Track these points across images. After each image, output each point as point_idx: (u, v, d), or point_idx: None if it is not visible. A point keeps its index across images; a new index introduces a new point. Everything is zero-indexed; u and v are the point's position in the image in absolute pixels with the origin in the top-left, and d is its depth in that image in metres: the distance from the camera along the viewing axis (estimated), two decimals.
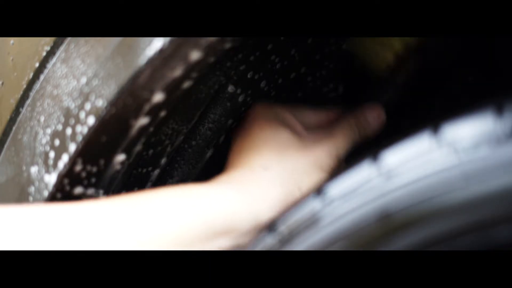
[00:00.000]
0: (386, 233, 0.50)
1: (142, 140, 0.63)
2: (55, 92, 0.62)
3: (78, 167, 0.61)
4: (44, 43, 0.63)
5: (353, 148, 0.70)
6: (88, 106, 0.59)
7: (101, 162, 0.62)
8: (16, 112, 0.66)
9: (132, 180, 0.67)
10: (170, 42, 0.54)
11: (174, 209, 0.57)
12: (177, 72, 0.57)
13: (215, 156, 0.72)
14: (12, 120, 0.66)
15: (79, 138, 0.60)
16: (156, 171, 0.69)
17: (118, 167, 0.63)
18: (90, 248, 0.52)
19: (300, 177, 0.62)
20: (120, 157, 0.62)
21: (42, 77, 0.64)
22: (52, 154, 0.62)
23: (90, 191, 0.64)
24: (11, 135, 0.66)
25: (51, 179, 0.62)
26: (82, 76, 0.60)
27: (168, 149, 0.68)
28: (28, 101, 0.65)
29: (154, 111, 0.60)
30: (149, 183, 0.69)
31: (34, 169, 0.63)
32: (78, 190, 0.63)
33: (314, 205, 0.54)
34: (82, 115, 0.59)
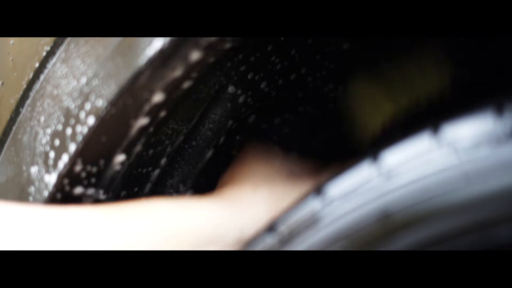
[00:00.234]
0: (386, 233, 0.50)
1: (142, 140, 0.63)
2: (55, 92, 0.62)
3: (78, 167, 0.61)
4: (44, 43, 0.63)
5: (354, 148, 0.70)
6: (88, 106, 0.59)
7: (101, 162, 0.62)
8: (16, 112, 0.66)
9: (132, 180, 0.67)
10: (170, 42, 0.54)
11: (165, 218, 0.61)
12: (177, 72, 0.57)
13: (215, 156, 0.72)
14: (12, 120, 0.66)
15: (79, 138, 0.60)
16: (156, 171, 0.69)
17: (118, 167, 0.63)
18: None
19: (286, 201, 0.65)
20: (120, 157, 0.62)
21: (42, 77, 0.64)
22: (52, 154, 0.62)
23: (90, 191, 0.64)
24: (11, 135, 0.66)
25: (51, 179, 0.62)
26: (82, 76, 0.60)
27: (168, 149, 0.68)
28: (28, 101, 0.65)
29: (154, 111, 0.60)
30: (149, 183, 0.69)
31: (34, 169, 0.63)
32: (78, 190, 0.63)
33: (314, 205, 0.54)
34: (82, 115, 0.59)
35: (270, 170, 0.72)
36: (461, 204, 0.47)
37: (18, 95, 0.65)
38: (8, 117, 0.66)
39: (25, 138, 0.64)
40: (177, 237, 0.59)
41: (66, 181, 0.62)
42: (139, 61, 0.55)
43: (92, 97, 0.59)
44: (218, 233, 0.62)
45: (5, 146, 0.66)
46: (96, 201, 0.65)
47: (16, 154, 0.65)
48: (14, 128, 0.66)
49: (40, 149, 0.62)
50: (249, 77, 0.68)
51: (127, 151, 0.62)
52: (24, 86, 0.65)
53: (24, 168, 0.64)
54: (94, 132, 0.59)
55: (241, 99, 0.69)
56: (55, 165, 0.61)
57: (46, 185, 0.62)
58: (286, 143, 0.79)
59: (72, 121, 0.60)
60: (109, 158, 0.62)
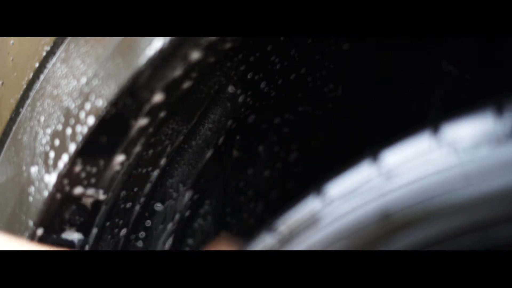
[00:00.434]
0: (386, 233, 0.50)
1: (142, 140, 0.63)
2: (55, 92, 0.62)
3: (78, 167, 0.61)
4: (44, 43, 0.63)
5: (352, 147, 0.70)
6: (88, 106, 0.59)
7: (101, 162, 0.62)
8: (16, 112, 0.66)
9: (132, 180, 0.67)
10: (170, 42, 0.54)
11: None
12: (177, 72, 0.57)
13: (215, 156, 0.72)
14: (12, 120, 0.66)
15: (79, 138, 0.60)
16: (156, 171, 0.69)
17: (117, 167, 0.63)
18: None
19: None
20: (120, 158, 0.62)
21: (42, 77, 0.64)
22: (52, 154, 0.62)
23: (90, 191, 0.64)
24: (11, 135, 0.66)
25: (51, 179, 0.62)
26: (82, 76, 0.60)
27: (168, 149, 0.68)
28: (28, 101, 0.65)
29: (154, 111, 0.60)
30: (149, 183, 0.69)
31: (34, 169, 0.63)
32: (78, 190, 0.63)
33: (314, 205, 0.54)
34: (82, 115, 0.59)
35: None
36: (461, 204, 0.47)
37: (18, 95, 0.65)
38: (8, 117, 0.66)
39: (25, 138, 0.64)
40: None
41: (66, 181, 0.62)
42: (139, 61, 0.55)
43: (92, 97, 0.59)
44: None
45: (5, 146, 0.66)
46: (96, 201, 0.65)
47: (16, 154, 0.65)
48: (14, 128, 0.66)
49: (40, 149, 0.62)
50: (248, 77, 0.68)
51: (127, 151, 0.62)
52: (24, 86, 0.65)
53: (24, 168, 0.64)
54: (94, 132, 0.59)
55: (240, 99, 0.69)
56: (55, 165, 0.61)
57: (46, 185, 0.62)
58: (286, 143, 0.79)
59: (72, 121, 0.60)
60: (109, 158, 0.62)
